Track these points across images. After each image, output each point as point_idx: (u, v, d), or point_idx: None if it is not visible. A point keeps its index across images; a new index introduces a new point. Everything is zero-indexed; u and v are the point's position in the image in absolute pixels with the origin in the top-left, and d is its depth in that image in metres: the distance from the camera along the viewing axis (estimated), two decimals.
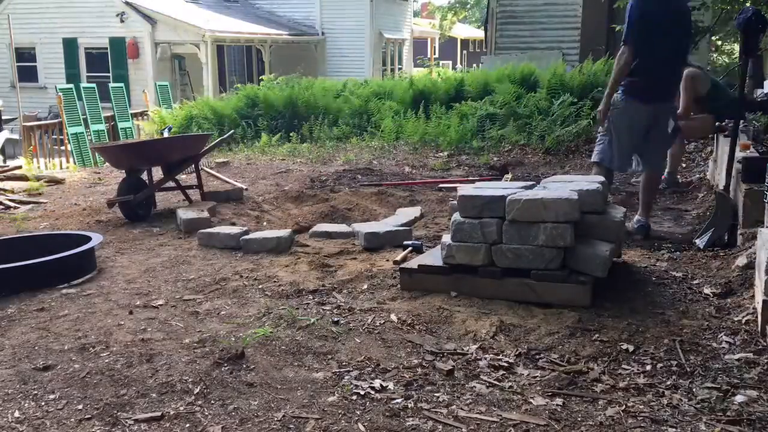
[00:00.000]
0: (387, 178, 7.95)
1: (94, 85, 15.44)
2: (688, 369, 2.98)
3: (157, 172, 6.85)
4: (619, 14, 12.54)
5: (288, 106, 12.49)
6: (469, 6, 42.00)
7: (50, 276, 4.32)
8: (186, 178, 7.65)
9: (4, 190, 7.62)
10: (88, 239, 4.74)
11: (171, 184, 6.82)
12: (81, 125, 14.07)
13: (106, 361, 3.13)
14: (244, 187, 7.42)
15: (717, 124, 6.55)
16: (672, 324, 3.46)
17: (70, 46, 20.39)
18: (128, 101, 15.94)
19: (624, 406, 2.68)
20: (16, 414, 2.67)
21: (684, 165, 8.22)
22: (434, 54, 38.65)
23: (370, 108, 11.99)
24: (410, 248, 4.75)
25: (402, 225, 5.41)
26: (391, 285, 4.14)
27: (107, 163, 7.97)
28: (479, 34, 35.97)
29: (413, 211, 6.10)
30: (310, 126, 11.74)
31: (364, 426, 2.57)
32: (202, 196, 6.77)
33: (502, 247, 3.82)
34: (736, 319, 3.48)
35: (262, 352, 3.19)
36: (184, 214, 5.89)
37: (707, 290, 3.89)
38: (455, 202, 4.14)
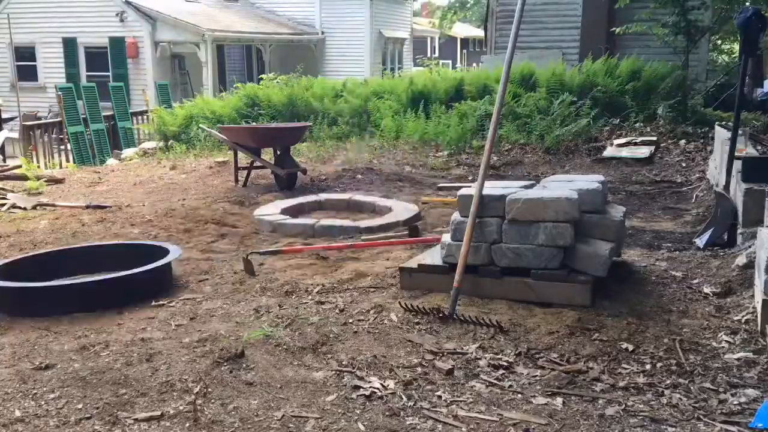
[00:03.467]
0: (385, 178, 7.95)
1: (93, 84, 15.44)
2: (688, 368, 2.98)
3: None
4: (618, 15, 12.56)
5: (288, 105, 12.50)
6: (468, 5, 41.98)
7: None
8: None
9: (5, 190, 7.61)
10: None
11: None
12: (81, 124, 14.07)
13: (106, 360, 3.13)
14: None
15: None
16: (672, 323, 3.46)
17: (69, 45, 20.37)
18: (128, 101, 15.93)
19: (624, 406, 2.68)
20: (17, 413, 2.67)
21: (684, 165, 8.23)
22: (434, 53, 38.62)
23: (369, 107, 11.99)
24: None
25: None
26: (390, 284, 4.14)
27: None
28: (479, 33, 35.94)
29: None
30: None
31: (363, 425, 2.57)
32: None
33: (502, 246, 3.82)
34: (735, 318, 3.48)
35: (261, 352, 3.19)
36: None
37: (707, 290, 3.89)
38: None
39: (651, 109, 10.39)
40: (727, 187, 5.07)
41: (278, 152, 7.82)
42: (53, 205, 6.95)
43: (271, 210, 6.15)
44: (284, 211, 6.12)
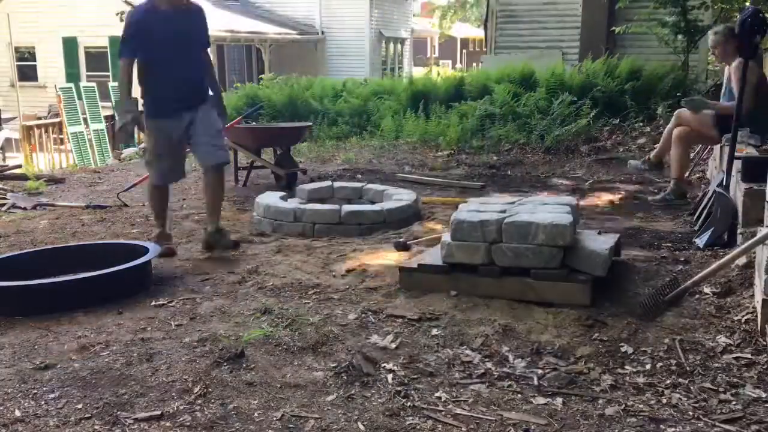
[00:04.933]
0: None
1: (93, 84, 15.44)
2: (688, 368, 2.98)
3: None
4: (618, 14, 12.57)
5: (288, 105, 12.50)
6: (469, 5, 41.99)
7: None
8: None
9: (5, 190, 7.61)
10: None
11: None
12: (81, 124, 14.07)
13: (106, 360, 3.13)
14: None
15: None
16: (671, 323, 3.46)
17: (69, 45, 20.38)
18: None
19: (624, 405, 2.68)
20: (17, 413, 2.67)
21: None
22: (434, 53, 38.64)
23: (369, 107, 11.99)
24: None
25: None
26: (390, 284, 4.14)
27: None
28: (479, 33, 35.95)
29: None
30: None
31: (363, 425, 2.57)
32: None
33: (502, 246, 3.82)
34: (735, 318, 3.48)
35: (261, 351, 3.19)
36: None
37: (707, 289, 3.88)
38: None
39: (651, 109, 10.40)
40: (727, 187, 5.07)
41: (278, 152, 7.82)
42: (53, 205, 6.95)
43: None
44: None
